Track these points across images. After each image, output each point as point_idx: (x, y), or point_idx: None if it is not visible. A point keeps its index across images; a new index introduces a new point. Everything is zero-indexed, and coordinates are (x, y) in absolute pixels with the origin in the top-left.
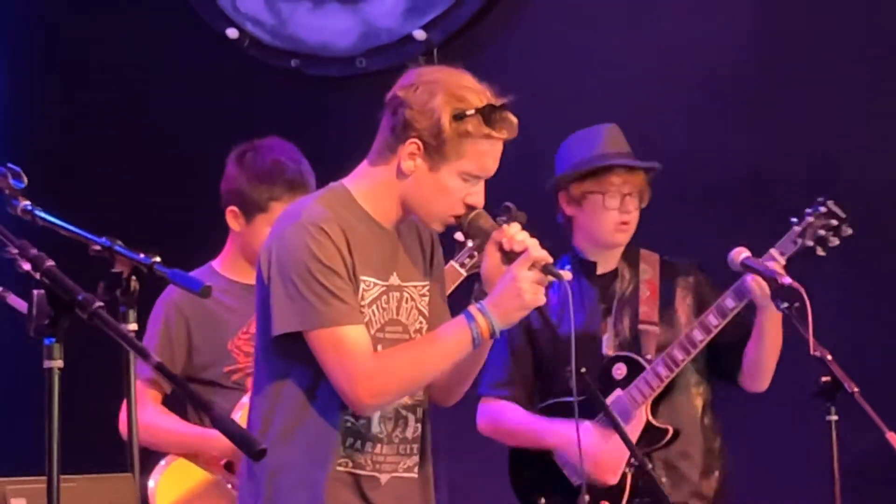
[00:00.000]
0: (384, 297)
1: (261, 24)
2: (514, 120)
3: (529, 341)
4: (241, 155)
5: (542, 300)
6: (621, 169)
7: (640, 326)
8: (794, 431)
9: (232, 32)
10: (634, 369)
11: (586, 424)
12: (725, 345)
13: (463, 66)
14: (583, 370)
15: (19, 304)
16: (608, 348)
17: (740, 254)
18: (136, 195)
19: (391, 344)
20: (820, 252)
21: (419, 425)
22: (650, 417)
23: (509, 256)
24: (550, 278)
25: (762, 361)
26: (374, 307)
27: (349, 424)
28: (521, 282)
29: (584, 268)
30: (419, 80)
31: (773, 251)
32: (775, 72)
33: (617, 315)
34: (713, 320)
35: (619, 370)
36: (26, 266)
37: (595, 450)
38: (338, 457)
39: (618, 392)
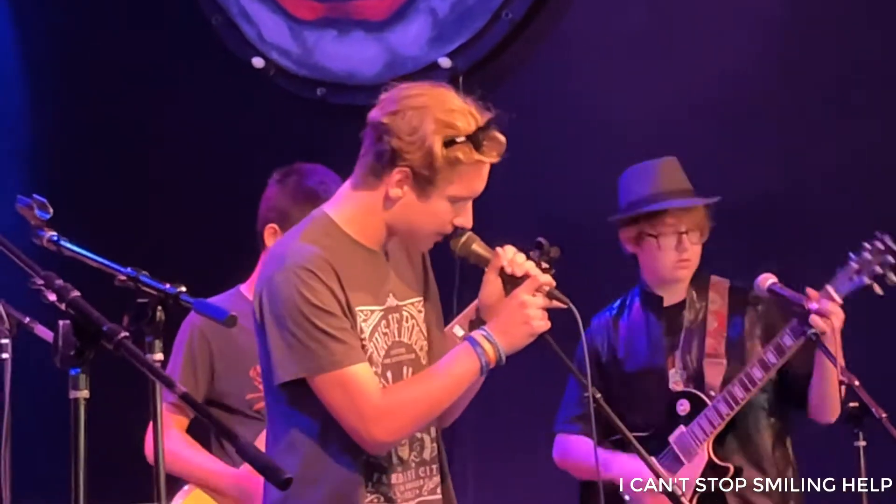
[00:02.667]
0: (384, 321)
1: (286, 53)
2: (503, 139)
3: (600, 376)
4: (284, 176)
5: (547, 325)
6: (675, 208)
7: (707, 360)
8: (823, 457)
9: (258, 62)
10: (698, 405)
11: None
12: (792, 377)
13: (487, 94)
14: (598, 395)
15: (46, 334)
16: (675, 383)
17: (767, 280)
18: (161, 223)
19: (398, 367)
20: (878, 290)
21: (434, 445)
22: (712, 455)
23: (511, 281)
24: (556, 303)
25: (827, 395)
26: (376, 335)
27: (371, 459)
28: (529, 308)
29: (651, 301)
30: (404, 104)
31: (828, 287)
32: (800, 97)
33: (684, 348)
34: (772, 358)
35: (683, 406)
36: (52, 297)
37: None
38: (366, 495)
39: (681, 429)
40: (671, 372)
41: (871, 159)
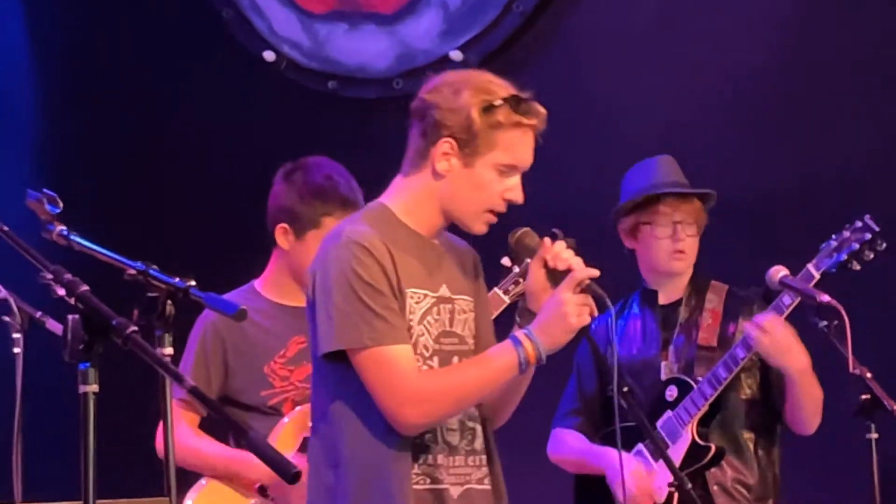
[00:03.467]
0: (435, 308)
1: (297, 46)
2: (543, 110)
3: (597, 369)
4: (289, 173)
5: (587, 321)
6: (670, 197)
7: (698, 352)
8: (834, 449)
9: (269, 55)
10: (684, 390)
11: (629, 455)
12: (775, 386)
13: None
14: (625, 389)
15: (57, 328)
16: (666, 374)
17: (778, 272)
18: (171, 218)
19: (448, 355)
20: (855, 266)
21: (485, 437)
22: (695, 436)
23: (554, 274)
24: (596, 301)
25: (798, 406)
26: (427, 318)
27: (417, 440)
28: (567, 305)
29: (647, 297)
30: (443, 82)
31: (809, 266)
32: (809, 95)
33: (677, 342)
34: (741, 353)
35: (671, 392)
36: (61, 291)
37: (636, 476)
38: (413, 474)
39: (668, 413)
40: (663, 364)
41: (878, 157)
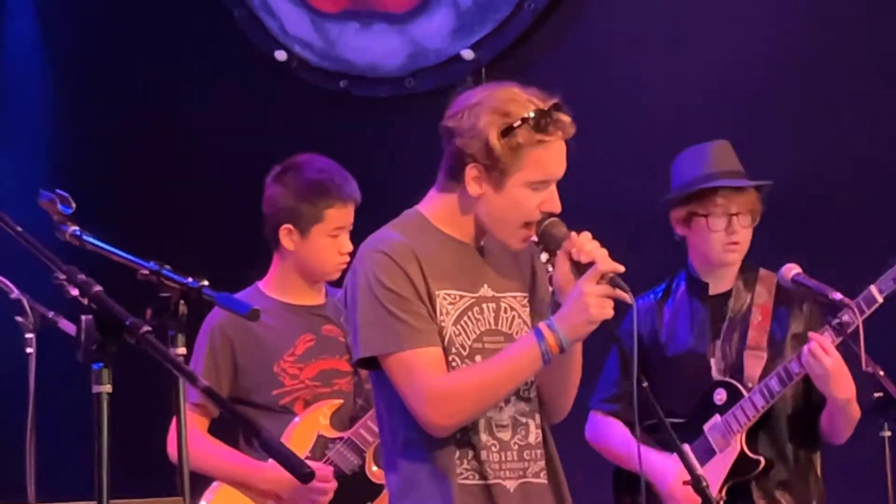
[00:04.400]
0: (475, 308)
1: (309, 45)
2: (567, 119)
3: (641, 360)
4: (280, 175)
5: (609, 314)
6: (726, 189)
7: (747, 352)
8: (848, 447)
9: (280, 55)
10: (734, 396)
11: (669, 460)
12: (817, 399)
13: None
14: (644, 384)
15: (70, 328)
16: (716, 372)
17: (790, 270)
18: (183, 217)
19: (492, 353)
20: None
21: (539, 431)
22: (744, 447)
23: (578, 266)
24: (621, 293)
25: (836, 431)
26: (464, 318)
27: (462, 438)
28: (588, 296)
29: (697, 288)
30: (464, 105)
31: (871, 287)
32: (830, 87)
33: (726, 337)
34: (795, 367)
35: (720, 396)
36: (74, 291)
37: (672, 488)
38: (460, 470)
39: (716, 418)
40: (712, 360)
41: (892, 152)
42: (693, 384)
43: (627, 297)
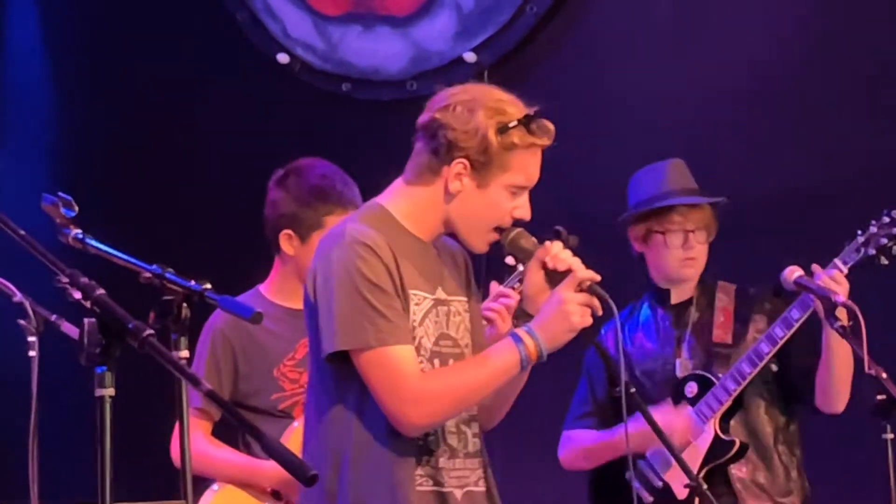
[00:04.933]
0: (434, 310)
1: (311, 48)
2: (552, 126)
3: (605, 368)
4: (282, 179)
5: (589, 321)
6: (683, 206)
7: (714, 348)
8: (850, 450)
9: (283, 58)
10: (705, 386)
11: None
12: (796, 367)
13: (513, 88)
14: (632, 390)
15: (73, 331)
16: (682, 371)
17: (793, 272)
18: (185, 220)
19: (444, 358)
20: (883, 261)
21: (477, 440)
22: (718, 430)
23: (553, 276)
24: (598, 302)
25: (835, 381)
26: (427, 321)
27: (420, 442)
28: (568, 304)
29: (659, 296)
30: (454, 100)
31: (836, 261)
32: (828, 93)
33: (690, 340)
34: (779, 332)
35: (691, 388)
36: (77, 295)
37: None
38: (417, 476)
39: (688, 409)
40: (678, 362)
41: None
42: (661, 384)
43: (608, 300)
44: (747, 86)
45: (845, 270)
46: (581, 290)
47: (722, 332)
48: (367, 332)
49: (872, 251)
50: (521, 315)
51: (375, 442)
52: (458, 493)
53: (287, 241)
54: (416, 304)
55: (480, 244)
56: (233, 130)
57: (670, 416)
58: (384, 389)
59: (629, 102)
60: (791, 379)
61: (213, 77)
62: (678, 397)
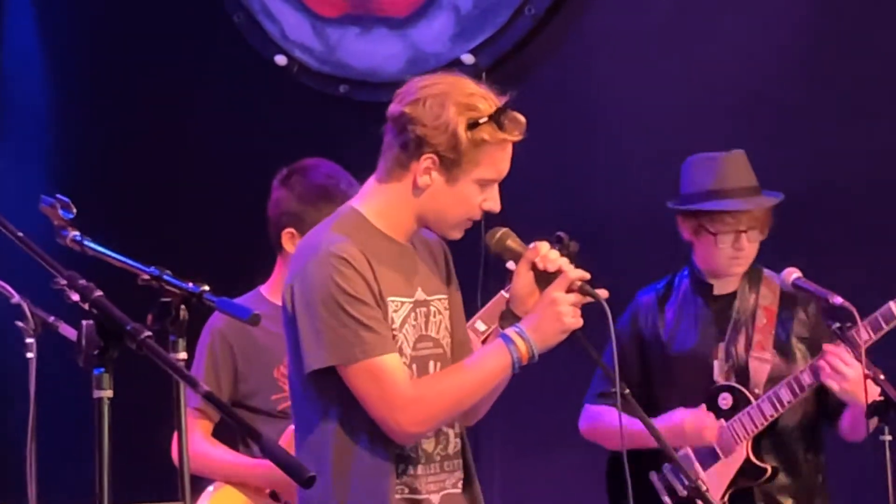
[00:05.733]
0: (413, 313)
1: (309, 50)
2: (522, 119)
3: (639, 353)
4: (287, 177)
5: (580, 322)
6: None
7: (753, 355)
8: (847, 451)
9: (280, 59)
10: (740, 401)
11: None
12: (831, 394)
13: (511, 89)
14: (626, 391)
15: (71, 333)
16: (719, 374)
17: (791, 274)
18: (183, 222)
19: (424, 360)
20: None
21: (458, 440)
22: (750, 454)
23: (542, 277)
24: (589, 299)
25: (859, 430)
26: (406, 326)
27: (399, 451)
28: (560, 305)
29: (702, 288)
30: (424, 93)
31: (891, 304)
32: (827, 94)
33: (730, 340)
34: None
35: (725, 400)
36: (75, 297)
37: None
38: (395, 486)
39: (721, 423)
40: (715, 363)
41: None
42: (695, 386)
43: (602, 295)
44: (745, 86)
45: (874, 337)
46: (572, 291)
47: (763, 337)
48: (353, 345)
49: None
50: (508, 316)
51: (356, 453)
52: (436, 499)
53: (289, 240)
54: (395, 311)
55: (454, 233)
56: (231, 132)
57: (702, 417)
58: (375, 400)
59: (627, 104)
60: (825, 402)
61: (211, 78)
62: (711, 408)
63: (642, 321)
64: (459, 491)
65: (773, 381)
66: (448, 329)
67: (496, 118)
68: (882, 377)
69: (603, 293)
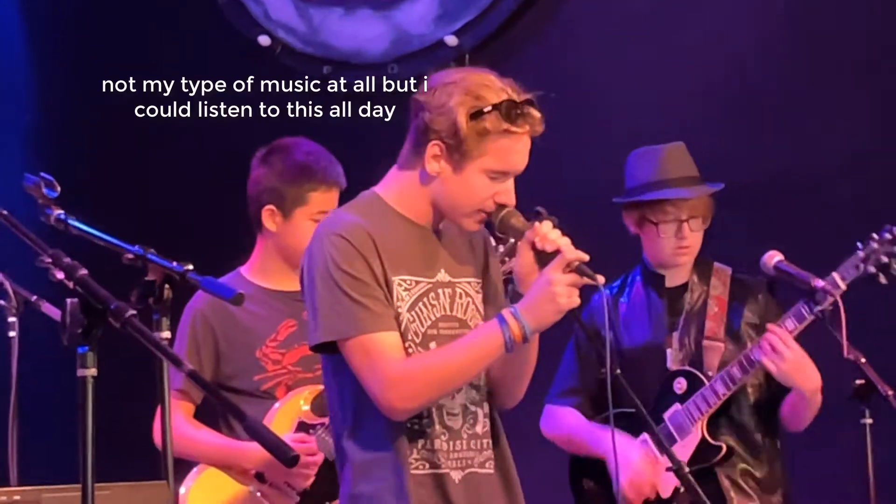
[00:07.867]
0: (431, 293)
1: (292, 31)
2: (537, 115)
3: (598, 354)
4: (266, 155)
5: (576, 302)
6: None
7: (705, 342)
8: (829, 434)
9: (264, 40)
10: (695, 384)
11: (635, 441)
12: (776, 381)
13: (494, 71)
14: (618, 371)
15: (53, 312)
16: (673, 362)
17: (773, 258)
18: (166, 202)
19: (447, 339)
20: (882, 280)
21: (487, 420)
22: (705, 434)
23: (542, 256)
24: (588, 280)
25: (800, 418)
26: (419, 304)
27: (414, 427)
28: (556, 285)
29: (653, 280)
30: (439, 82)
31: (834, 275)
32: (810, 82)
33: (683, 329)
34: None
35: (680, 384)
36: (60, 275)
37: (640, 464)
38: (412, 460)
39: (676, 406)
40: (669, 351)
41: (882, 146)
42: (650, 375)
43: (598, 280)
44: (728, 74)
45: (843, 286)
46: (570, 271)
47: (714, 324)
48: (346, 321)
49: (872, 269)
50: (514, 296)
51: (371, 427)
52: (457, 475)
53: (269, 217)
54: (406, 290)
55: (468, 224)
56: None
57: (636, 459)
58: (366, 375)
59: (610, 86)
60: (773, 387)
61: (195, 59)
62: (667, 393)
63: (598, 321)
64: (489, 471)
65: (725, 365)
66: (479, 311)
67: (503, 109)
68: (863, 360)
69: (600, 278)
